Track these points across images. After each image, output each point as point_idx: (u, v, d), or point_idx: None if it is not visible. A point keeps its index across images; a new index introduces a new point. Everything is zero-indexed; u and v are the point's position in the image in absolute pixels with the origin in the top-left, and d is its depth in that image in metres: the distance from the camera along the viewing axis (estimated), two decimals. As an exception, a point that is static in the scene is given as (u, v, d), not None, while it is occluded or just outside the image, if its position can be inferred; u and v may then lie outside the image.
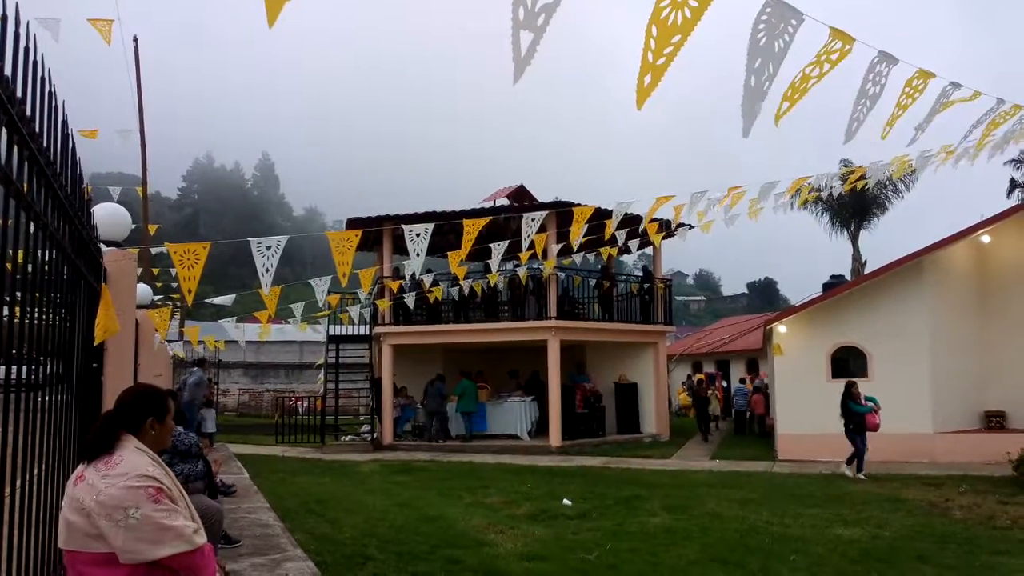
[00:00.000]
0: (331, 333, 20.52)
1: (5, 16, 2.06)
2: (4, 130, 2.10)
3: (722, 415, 25.14)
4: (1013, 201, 33.32)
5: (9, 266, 2.34)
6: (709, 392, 22.34)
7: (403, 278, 16.18)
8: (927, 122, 4.73)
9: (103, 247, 5.03)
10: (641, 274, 22.10)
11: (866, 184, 8.83)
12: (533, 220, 8.20)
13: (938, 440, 14.75)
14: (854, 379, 13.63)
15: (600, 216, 9.79)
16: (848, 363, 15.84)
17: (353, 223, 18.98)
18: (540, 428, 19.17)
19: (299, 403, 23.88)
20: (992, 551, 7.60)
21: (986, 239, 16.06)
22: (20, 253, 2.44)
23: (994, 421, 15.48)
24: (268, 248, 5.79)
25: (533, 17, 2.41)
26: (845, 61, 3.40)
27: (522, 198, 21.62)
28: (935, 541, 8.02)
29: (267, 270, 5.78)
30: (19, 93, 2.24)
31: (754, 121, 2.88)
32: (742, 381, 24.04)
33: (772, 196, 8.74)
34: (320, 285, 8.75)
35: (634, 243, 12.45)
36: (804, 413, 15.65)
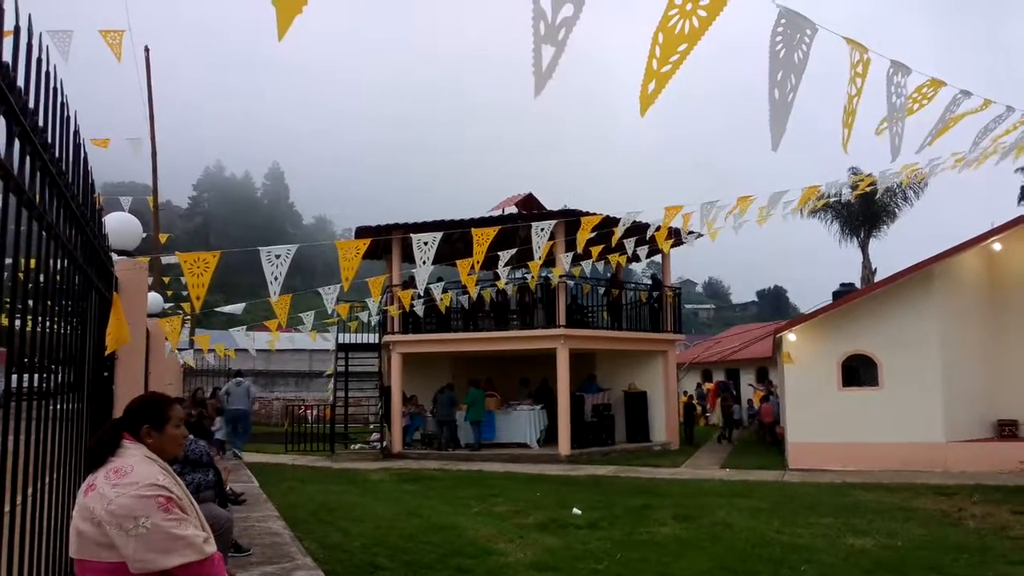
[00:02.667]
0: (340, 341, 20.55)
1: (18, 27, 2.08)
2: (17, 140, 2.11)
3: (736, 424, 24.91)
4: (1023, 209, 33.13)
5: (21, 275, 2.36)
6: (728, 403, 22.00)
7: (416, 286, 16.19)
8: (938, 131, 4.70)
9: (114, 256, 5.06)
10: (650, 282, 21.99)
11: (876, 189, 8.81)
12: (542, 231, 8.19)
13: (950, 449, 14.62)
14: None
15: (608, 224, 9.78)
16: (859, 371, 15.73)
17: (362, 231, 19.02)
18: (549, 436, 19.11)
19: (309, 411, 23.86)
20: (1006, 561, 7.52)
21: (997, 247, 15.95)
22: (32, 262, 2.46)
23: (1007, 429, 15.34)
24: (277, 257, 5.81)
25: (554, 32, 2.39)
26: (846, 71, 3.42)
27: (530, 206, 21.60)
28: (948, 551, 7.94)
29: (276, 279, 5.80)
30: (31, 104, 2.25)
31: (783, 134, 2.85)
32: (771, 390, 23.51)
33: (781, 204, 8.73)
34: (328, 293, 8.78)
35: (643, 250, 12.43)
36: (815, 422, 15.56)
